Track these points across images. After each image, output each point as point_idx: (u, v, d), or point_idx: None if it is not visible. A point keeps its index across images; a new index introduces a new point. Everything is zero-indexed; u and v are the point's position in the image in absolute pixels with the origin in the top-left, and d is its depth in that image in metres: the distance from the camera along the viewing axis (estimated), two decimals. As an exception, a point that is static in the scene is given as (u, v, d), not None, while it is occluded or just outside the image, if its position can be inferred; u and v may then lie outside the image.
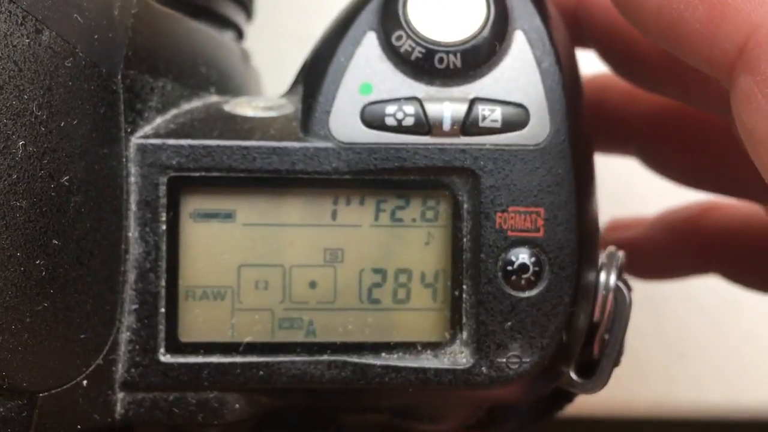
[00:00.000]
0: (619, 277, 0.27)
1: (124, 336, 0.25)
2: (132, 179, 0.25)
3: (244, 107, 0.27)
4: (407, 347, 0.26)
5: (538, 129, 0.26)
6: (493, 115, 0.25)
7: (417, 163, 0.26)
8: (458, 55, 0.25)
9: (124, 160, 0.25)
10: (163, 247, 0.25)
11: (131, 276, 0.25)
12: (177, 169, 0.25)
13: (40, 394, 0.23)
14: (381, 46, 0.26)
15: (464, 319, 0.26)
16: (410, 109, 0.25)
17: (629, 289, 0.27)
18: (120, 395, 0.25)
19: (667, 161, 0.33)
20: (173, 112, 0.26)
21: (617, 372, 0.27)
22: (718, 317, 0.43)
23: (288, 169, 0.25)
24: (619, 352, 0.27)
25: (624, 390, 0.41)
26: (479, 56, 0.25)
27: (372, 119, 0.26)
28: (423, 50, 0.25)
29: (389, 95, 0.26)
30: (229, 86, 0.29)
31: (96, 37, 0.24)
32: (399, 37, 0.26)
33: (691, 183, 0.33)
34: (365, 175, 0.26)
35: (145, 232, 0.25)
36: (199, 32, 0.29)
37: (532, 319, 0.26)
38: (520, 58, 0.26)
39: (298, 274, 0.26)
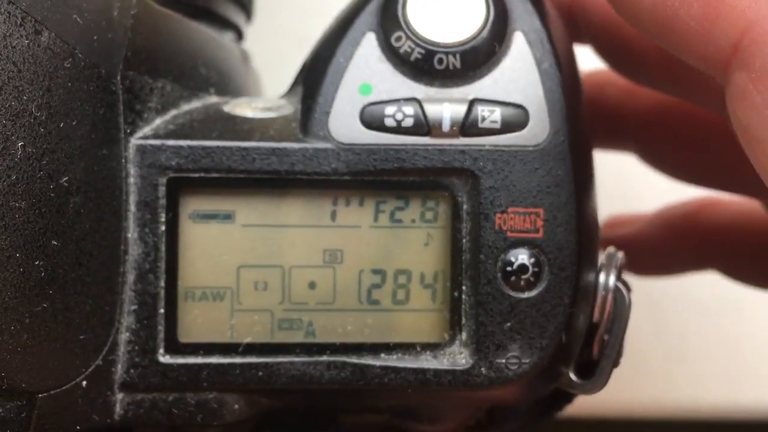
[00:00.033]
0: (619, 277, 0.27)
1: (124, 337, 0.25)
2: (131, 180, 0.25)
3: (243, 108, 0.27)
4: (406, 348, 0.26)
5: (538, 130, 0.26)
6: (492, 116, 0.25)
7: (416, 163, 0.26)
8: (458, 56, 0.25)
9: (123, 160, 0.25)
10: (163, 247, 0.25)
11: (130, 277, 0.25)
12: (176, 169, 0.25)
13: (40, 395, 0.23)
14: (380, 47, 0.26)
15: (463, 320, 0.26)
16: (410, 109, 0.25)
17: (629, 289, 0.27)
18: (119, 396, 0.25)
19: (666, 157, 0.34)
20: (173, 112, 0.26)
21: (617, 372, 0.27)
22: (717, 318, 0.43)
23: (287, 170, 0.25)
24: (619, 353, 0.27)
25: (624, 390, 0.41)
26: (479, 57, 0.25)
27: (371, 120, 0.26)
28: (422, 51, 0.25)
29: (389, 96, 0.26)
30: (228, 87, 0.29)
31: (95, 38, 0.24)
32: (398, 38, 0.26)
33: (689, 179, 0.34)
34: (364, 176, 0.26)
35: (145, 232, 0.25)
36: (198, 33, 0.29)
37: (531, 319, 0.26)
38: (520, 59, 0.26)
39: (298, 274, 0.26)
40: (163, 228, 0.25)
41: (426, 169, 0.26)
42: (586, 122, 0.27)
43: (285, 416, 0.27)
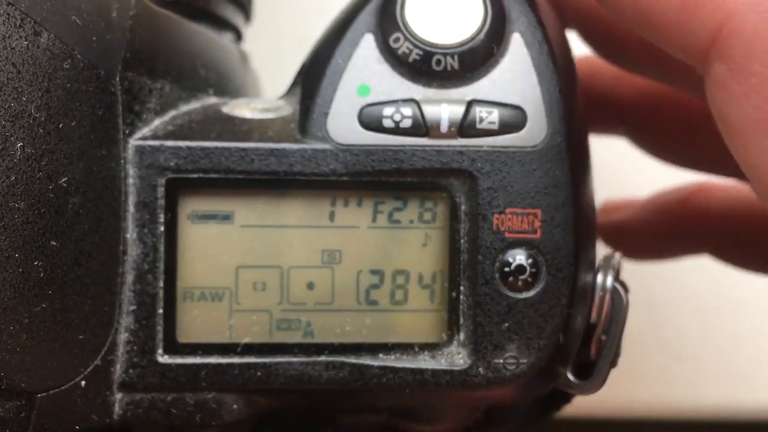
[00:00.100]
0: (616, 278, 0.27)
1: (123, 337, 0.25)
2: (130, 181, 0.25)
3: (242, 109, 0.27)
4: (405, 348, 0.26)
5: (536, 131, 0.26)
6: (490, 117, 0.26)
7: (414, 164, 0.26)
8: (456, 57, 0.25)
9: (122, 161, 0.25)
10: (161, 248, 0.25)
11: (129, 277, 0.25)
12: (175, 170, 0.25)
13: (39, 395, 0.23)
14: (379, 48, 0.26)
15: (461, 320, 0.26)
16: (408, 110, 0.26)
17: (626, 290, 0.27)
18: (118, 396, 0.25)
19: (656, 142, 0.34)
20: (171, 113, 0.26)
21: (615, 373, 0.27)
22: (715, 319, 0.43)
23: (286, 171, 0.25)
24: (616, 353, 0.27)
25: (622, 391, 0.41)
26: (476, 58, 0.26)
27: (369, 121, 0.26)
28: (420, 52, 0.25)
29: (387, 97, 0.26)
30: (227, 88, 0.29)
31: (94, 39, 0.24)
32: (396, 39, 0.26)
33: (680, 163, 0.34)
34: (363, 177, 0.26)
35: (144, 233, 0.25)
36: (197, 34, 0.29)
37: (529, 320, 0.26)
38: (517, 60, 0.26)
39: (296, 275, 0.26)
40: (162, 228, 0.25)
41: (424, 169, 0.26)
42: (583, 123, 0.27)
43: (283, 416, 0.27)
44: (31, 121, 0.22)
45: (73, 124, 0.23)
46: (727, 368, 0.43)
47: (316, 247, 0.26)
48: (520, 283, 0.26)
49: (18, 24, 0.22)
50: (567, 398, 0.29)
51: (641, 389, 0.42)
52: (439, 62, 0.25)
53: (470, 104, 0.26)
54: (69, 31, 0.23)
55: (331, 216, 0.26)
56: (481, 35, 0.26)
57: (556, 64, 0.26)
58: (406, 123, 0.26)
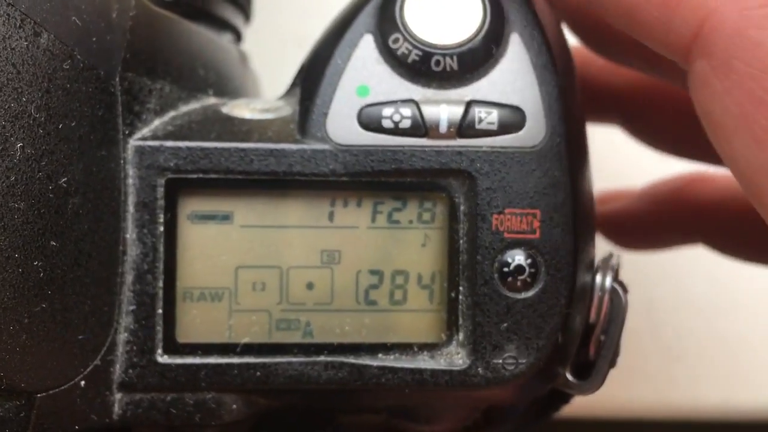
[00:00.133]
0: (615, 278, 0.27)
1: (122, 337, 0.25)
2: (130, 181, 0.25)
3: (241, 109, 0.27)
4: (404, 348, 0.26)
5: (535, 131, 0.26)
6: (489, 117, 0.26)
7: (414, 165, 0.26)
8: (455, 57, 0.25)
9: (122, 162, 0.25)
10: (161, 248, 0.25)
11: (129, 277, 0.25)
12: (175, 170, 0.25)
13: (38, 395, 0.23)
14: (378, 49, 0.26)
15: (460, 321, 0.26)
16: (407, 111, 0.26)
17: (625, 290, 0.27)
18: (117, 396, 0.25)
19: (649, 131, 0.34)
20: (171, 114, 0.26)
21: (614, 373, 0.27)
22: (714, 319, 0.43)
23: (285, 171, 0.26)
24: (615, 353, 0.27)
25: (621, 391, 0.41)
26: (475, 59, 0.26)
27: (369, 121, 0.26)
28: (420, 53, 0.26)
29: (386, 97, 0.26)
30: (227, 88, 0.29)
31: (94, 39, 0.24)
32: (396, 40, 0.26)
33: (674, 152, 0.34)
34: (362, 177, 0.26)
35: (143, 233, 0.25)
36: (197, 34, 0.29)
37: (528, 320, 0.26)
38: (516, 60, 0.26)
39: (296, 275, 0.26)
40: (161, 229, 0.25)
41: (423, 170, 0.26)
42: (582, 123, 0.27)
43: (283, 416, 0.27)
44: (31, 122, 0.22)
45: (73, 124, 0.23)
46: (725, 368, 0.43)
47: (316, 248, 0.26)
48: (519, 284, 0.26)
49: (18, 24, 0.22)
50: (566, 398, 0.29)
51: (640, 389, 0.42)
52: (438, 63, 0.26)
53: (469, 105, 0.26)
54: (69, 32, 0.23)
55: (331, 216, 0.26)
56: (480, 36, 0.26)
57: (555, 65, 0.26)
58: (406, 123, 0.26)
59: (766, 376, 0.43)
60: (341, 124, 0.26)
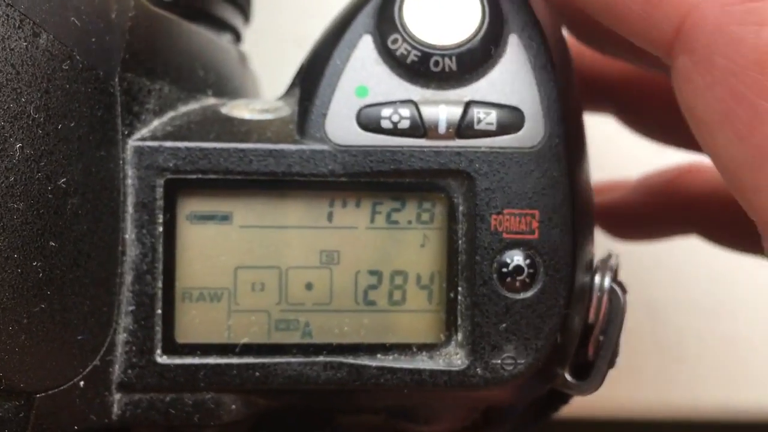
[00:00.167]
0: (614, 279, 0.27)
1: (121, 337, 0.25)
2: (129, 181, 0.25)
3: (240, 110, 0.27)
4: (403, 348, 0.26)
5: (533, 132, 0.26)
6: (488, 118, 0.26)
7: (412, 165, 0.26)
8: (453, 58, 0.26)
9: (121, 162, 0.25)
10: (160, 248, 0.25)
11: (128, 278, 0.25)
12: (174, 171, 0.25)
13: (37, 395, 0.23)
14: (377, 50, 0.26)
15: (459, 321, 0.26)
16: (406, 111, 0.26)
17: (624, 291, 0.27)
18: (117, 396, 0.25)
19: (642, 120, 0.34)
20: (170, 114, 0.26)
21: (614, 374, 0.27)
22: (714, 319, 0.43)
23: (284, 172, 0.26)
24: (614, 354, 0.27)
25: (620, 391, 0.41)
26: (474, 59, 0.26)
27: (368, 122, 0.26)
28: (419, 53, 0.26)
29: (385, 98, 0.26)
30: (226, 89, 0.29)
31: (93, 40, 0.24)
32: (395, 41, 0.26)
33: (667, 140, 0.34)
34: (361, 178, 0.26)
35: (142, 234, 0.25)
36: (196, 35, 0.29)
37: (526, 320, 0.26)
38: (515, 61, 0.26)
39: (295, 275, 0.26)
40: (160, 229, 0.25)
41: (422, 170, 0.26)
42: (581, 123, 0.27)
43: (282, 416, 0.27)
44: (30, 122, 0.22)
45: (72, 125, 0.23)
46: (725, 369, 0.43)
47: (315, 248, 0.26)
48: (517, 284, 0.26)
49: (17, 25, 0.22)
50: (565, 399, 0.29)
51: (639, 390, 0.42)
52: (437, 63, 0.26)
53: (468, 105, 0.26)
54: (68, 33, 0.23)
55: (330, 217, 0.26)
56: (479, 36, 0.26)
57: (554, 65, 0.26)
58: (404, 124, 0.26)
59: (766, 377, 0.43)
60: (340, 125, 0.26)
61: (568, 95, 0.26)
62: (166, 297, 0.25)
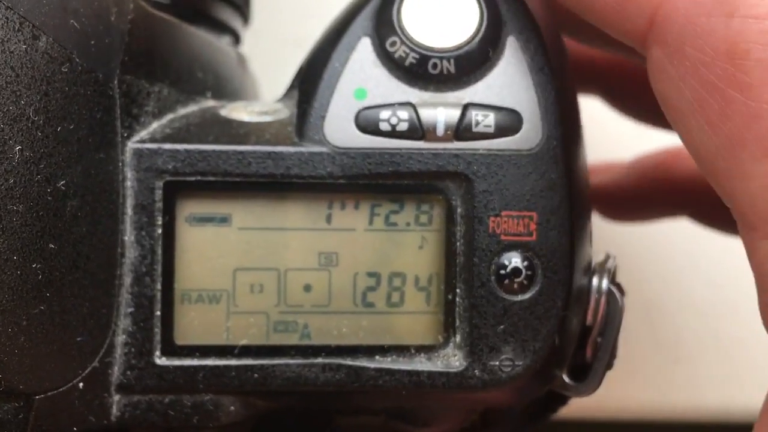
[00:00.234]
0: (612, 280, 0.27)
1: (120, 339, 0.25)
2: (128, 183, 0.25)
3: (239, 112, 0.27)
4: (401, 350, 0.26)
5: (531, 134, 0.26)
6: (486, 120, 0.26)
7: (411, 167, 0.26)
8: (452, 60, 0.26)
9: (120, 164, 0.25)
10: (159, 250, 0.25)
11: (127, 279, 0.25)
12: (173, 173, 0.25)
13: (37, 397, 0.23)
14: (375, 52, 0.26)
15: (457, 323, 0.26)
16: (404, 114, 0.26)
17: (622, 293, 0.27)
18: (116, 398, 0.25)
19: (629, 102, 0.35)
20: (169, 116, 0.26)
21: (612, 375, 0.27)
22: (713, 320, 0.43)
23: (283, 174, 0.26)
24: (612, 355, 0.27)
25: (619, 393, 0.41)
26: (472, 62, 0.26)
27: (366, 124, 0.26)
28: (417, 56, 0.26)
29: (383, 100, 0.26)
30: (225, 91, 0.30)
31: (92, 42, 0.24)
32: (393, 43, 0.26)
33: (653, 122, 0.35)
34: (360, 180, 0.26)
35: (141, 236, 0.25)
36: (195, 37, 0.29)
37: (524, 322, 0.26)
38: (513, 63, 0.26)
39: (293, 277, 0.26)
40: (159, 231, 0.25)
41: (420, 172, 0.26)
42: (579, 125, 0.28)
43: (281, 418, 0.27)
44: (30, 125, 0.22)
45: (72, 127, 0.23)
46: (724, 370, 0.43)
47: (313, 250, 0.26)
48: (515, 286, 0.26)
49: (16, 28, 0.22)
50: (563, 400, 0.29)
51: (638, 391, 0.42)
52: (435, 66, 0.26)
53: (466, 107, 0.26)
54: (67, 35, 0.23)
55: (328, 218, 0.26)
56: (477, 39, 0.26)
57: (552, 67, 0.26)
58: (403, 126, 0.26)
59: (765, 378, 0.43)
60: (339, 127, 0.26)
61: (566, 97, 0.26)
62: (165, 299, 0.25)
